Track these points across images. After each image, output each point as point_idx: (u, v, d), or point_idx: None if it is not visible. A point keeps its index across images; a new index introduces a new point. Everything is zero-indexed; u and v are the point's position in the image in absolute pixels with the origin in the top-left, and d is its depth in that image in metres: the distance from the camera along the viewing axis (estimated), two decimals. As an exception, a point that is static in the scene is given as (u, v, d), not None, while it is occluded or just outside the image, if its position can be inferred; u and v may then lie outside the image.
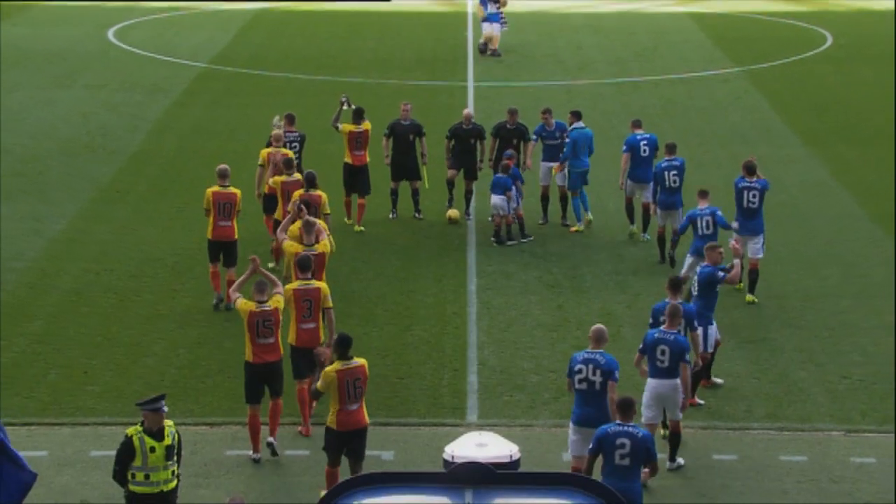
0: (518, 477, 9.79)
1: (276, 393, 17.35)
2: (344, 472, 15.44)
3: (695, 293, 18.69)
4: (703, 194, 22.40)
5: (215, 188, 22.09)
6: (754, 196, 22.38)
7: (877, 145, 32.33)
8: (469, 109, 28.35)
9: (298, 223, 19.96)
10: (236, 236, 22.28)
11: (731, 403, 18.75)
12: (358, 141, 25.87)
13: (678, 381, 16.75)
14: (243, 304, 17.23)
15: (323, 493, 16.48)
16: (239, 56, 43.78)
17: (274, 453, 17.21)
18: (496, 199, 24.95)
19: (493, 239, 25.35)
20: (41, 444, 17.43)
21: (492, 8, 41.91)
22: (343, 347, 15.91)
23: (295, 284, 17.97)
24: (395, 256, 24.76)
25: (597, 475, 13.70)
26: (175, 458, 14.22)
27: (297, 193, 21.80)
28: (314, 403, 17.82)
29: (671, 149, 24.47)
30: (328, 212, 22.04)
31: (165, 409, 14.11)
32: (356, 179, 26.00)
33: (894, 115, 33.78)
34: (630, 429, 14.41)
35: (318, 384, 15.96)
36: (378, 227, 26.30)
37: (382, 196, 26.78)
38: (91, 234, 25.81)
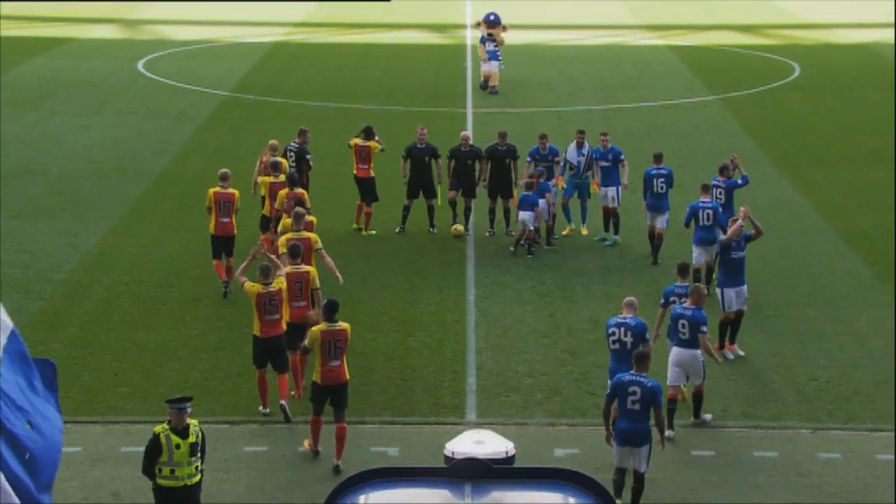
0: (513, 472, 9.77)
1: (282, 369, 18.25)
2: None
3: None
4: (706, 189, 23.09)
5: (216, 189, 22.99)
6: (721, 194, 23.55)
7: (841, 167, 32.39)
8: (467, 132, 28.31)
9: (287, 220, 21.12)
10: (235, 231, 23.19)
11: (708, 403, 18.69)
12: (361, 155, 26.40)
13: (698, 351, 17.71)
14: (251, 286, 18.14)
15: (307, 442, 17.20)
16: (257, 85, 43.80)
17: (287, 419, 17.87)
18: (524, 215, 25.02)
19: (511, 248, 25.47)
20: (76, 440, 17.40)
21: (490, 46, 41.38)
22: (329, 311, 16.94)
23: (287, 269, 18.80)
24: (400, 268, 24.77)
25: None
26: (199, 454, 14.22)
27: (283, 193, 22.93)
28: (304, 361, 18.67)
29: (658, 158, 25.32)
30: (308, 206, 22.48)
31: (189, 410, 14.13)
32: (361, 189, 26.54)
33: (864, 136, 33.71)
34: (642, 378, 15.41)
35: (306, 341, 17.03)
36: (385, 240, 26.33)
37: (389, 211, 26.82)
38: (121, 248, 25.81)
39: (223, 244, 23.06)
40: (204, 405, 17.98)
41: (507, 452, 9.81)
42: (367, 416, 18.27)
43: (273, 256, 19.26)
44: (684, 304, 18.04)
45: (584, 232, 26.65)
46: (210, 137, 35.10)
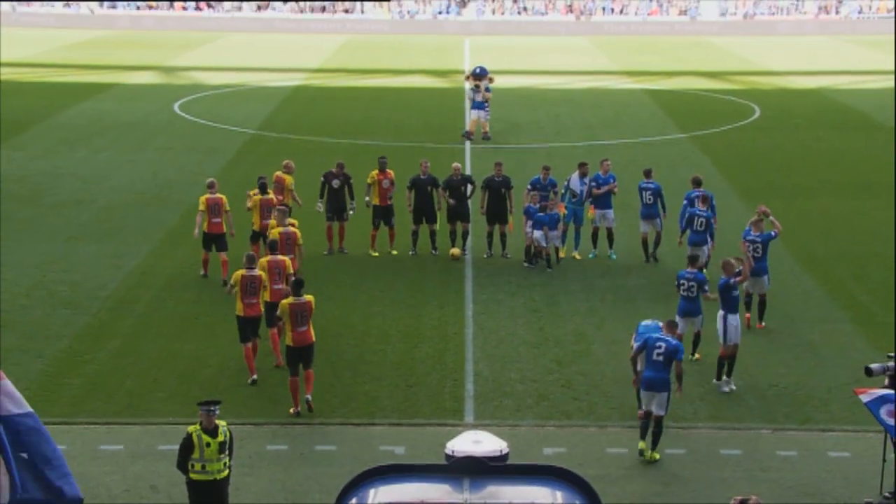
0: (507, 468, 9.73)
1: (257, 336, 19.85)
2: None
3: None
4: (705, 199, 24.31)
5: (207, 195, 24.43)
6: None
7: (797, 197, 32.39)
8: (457, 164, 28.20)
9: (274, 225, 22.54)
10: (224, 230, 24.42)
11: (680, 407, 18.64)
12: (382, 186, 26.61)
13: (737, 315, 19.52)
14: (237, 273, 19.68)
15: (292, 411, 18.01)
16: (279, 124, 43.90)
17: (254, 383, 19.39)
18: (537, 234, 25.39)
19: (524, 261, 25.89)
20: (118, 439, 17.43)
21: (477, 98, 40.07)
22: (296, 287, 18.48)
23: (267, 258, 20.38)
24: (406, 286, 24.75)
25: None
26: (227, 451, 14.22)
27: (256, 197, 24.59)
28: (279, 331, 19.76)
29: (648, 173, 26.42)
30: (284, 207, 23.70)
31: (217, 412, 14.15)
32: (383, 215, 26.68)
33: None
34: (668, 337, 17.09)
35: (278, 312, 18.48)
36: (393, 262, 26.33)
37: (397, 237, 26.82)
38: (160, 268, 25.81)
39: (213, 240, 24.39)
40: (231, 408, 17.93)
41: (501, 451, 9.73)
42: (376, 419, 18.24)
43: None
44: (689, 269, 20.06)
45: (577, 257, 26.60)
46: (237, 170, 35.11)
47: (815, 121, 45.74)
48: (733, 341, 19.42)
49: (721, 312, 19.52)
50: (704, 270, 21.95)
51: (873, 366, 15.58)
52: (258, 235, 24.44)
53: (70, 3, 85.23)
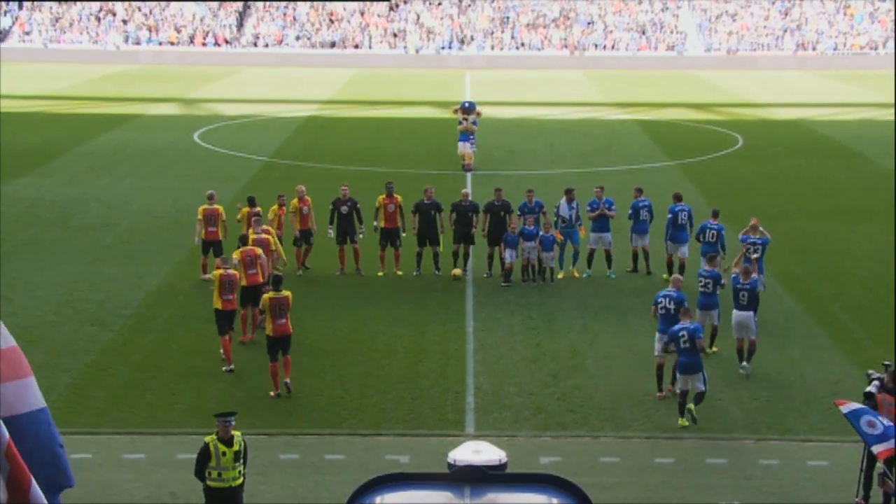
0: (506, 476, 9.70)
1: (229, 330, 20.81)
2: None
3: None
4: (715, 214, 25.27)
5: (205, 206, 25.87)
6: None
7: (778, 221, 32.30)
8: (467, 189, 28.33)
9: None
10: (221, 237, 25.78)
11: (669, 419, 18.66)
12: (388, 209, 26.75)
13: (752, 313, 20.58)
14: (215, 272, 20.84)
15: (273, 394, 19.02)
16: (291, 152, 43.98)
17: (230, 371, 20.48)
18: (527, 245, 25.87)
19: (522, 279, 26.19)
20: (140, 448, 17.40)
21: (464, 129, 39.28)
22: (276, 283, 19.62)
23: (240, 249, 21.98)
24: (410, 305, 24.75)
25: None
26: (242, 460, 14.20)
27: (244, 210, 25.63)
28: (258, 317, 21.24)
29: (640, 191, 27.10)
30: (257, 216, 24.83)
31: (233, 422, 14.14)
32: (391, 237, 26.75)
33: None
34: (687, 324, 18.41)
35: (260, 305, 19.81)
36: (398, 281, 26.33)
37: (402, 258, 26.82)
38: (179, 288, 25.83)
39: (211, 246, 25.58)
40: (246, 419, 17.90)
41: (500, 460, 9.71)
42: (382, 429, 18.21)
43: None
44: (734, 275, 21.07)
45: (576, 274, 26.64)
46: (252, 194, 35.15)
47: (794, 149, 45.77)
48: (738, 336, 20.67)
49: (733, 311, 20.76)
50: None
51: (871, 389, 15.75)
52: (245, 237, 24.63)
53: (97, 39, 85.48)
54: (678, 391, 18.55)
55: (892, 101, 62.56)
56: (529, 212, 26.41)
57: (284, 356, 19.50)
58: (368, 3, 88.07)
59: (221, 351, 20.84)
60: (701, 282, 21.32)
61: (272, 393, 19.40)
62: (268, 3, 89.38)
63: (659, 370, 19.41)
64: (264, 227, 23.94)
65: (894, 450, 14.30)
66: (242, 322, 21.91)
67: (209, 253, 25.63)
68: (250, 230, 23.70)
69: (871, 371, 16.25)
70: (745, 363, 20.58)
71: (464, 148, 39.53)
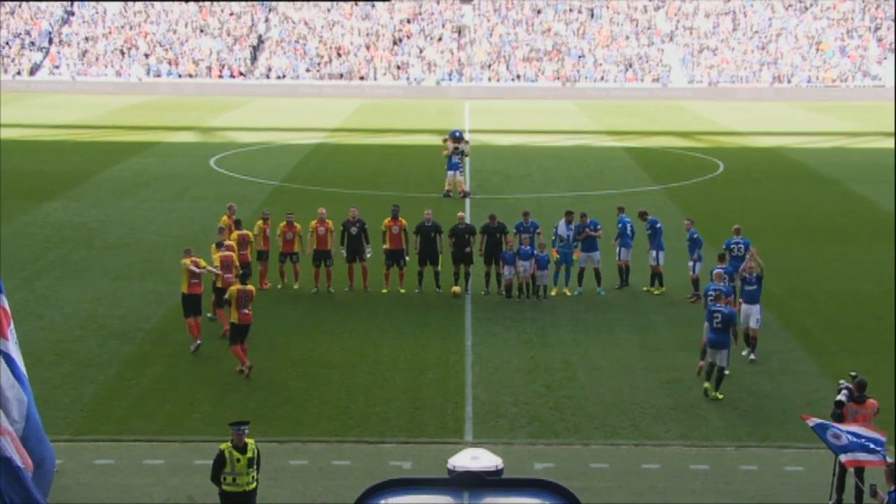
0: (502, 482, 9.67)
1: (197, 314, 22.25)
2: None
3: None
4: (738, 231, 25.53)
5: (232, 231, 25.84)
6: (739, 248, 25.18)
7: (756, 241, 31.94)
8: (462, 213, 28.34)
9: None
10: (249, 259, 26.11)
11: (655, 425, 18.64)
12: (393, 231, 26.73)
13: (758, 305, 22.15)
14: (185, 259, 22.36)
15: (238, 366, 20.18)
16: (301, 176, 44.01)
17: (196, 349, 22.06)
18: (524, 264, 25.87)
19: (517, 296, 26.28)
20: (159, 454, 17.35)
21: (455, 159, 38.61)
22: (243, 278, 21.34)
23: (219, 254, 23.31)
24: (413, 320, 24.73)
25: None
26: (255, 466, 14.17)
27: (224, 218, 26.41)
28: (224, 309, 22.26)
29: (622, 209, 27.86)
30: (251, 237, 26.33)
31: (246, 431, 14.11)
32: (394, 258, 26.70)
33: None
34: (722, 307, 19.89)
35: (226, 295, 21.03)
36: (402, 299, 26.32)
37: (406, 276, 26.82)
38: (196, 304, 25.78)
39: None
40: (259, 428, 17.89)
41: (496, 466, 9.68)
42: (386, 437, 18.18)
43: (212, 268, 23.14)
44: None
45: (567, 293, 26.68)
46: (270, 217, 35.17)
47: (771, 175, 45.81)
48: (743, 325, 21.78)
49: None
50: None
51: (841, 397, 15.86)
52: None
53: (121, 72, 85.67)
54: (707, 361, 20.11)
55: (862, 129, 62.85)
56: (525, 231, 26.44)
57: (243, 344, 20.91)
58: (374, 39, 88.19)
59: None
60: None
61: (238, 368, 20.82)
62: (280, 38, 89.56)
63: (705, 348, 20.45)
64: (228, 243, 24.37)
65: (860, 461, 14.38)
66: (220, 316, 23.35)
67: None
68: (233, 233, 25.05)
69: (841, 381, 16.27)
70: (752, 355, 21.84)
71: (453, 176, 38.89)
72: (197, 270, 22.37)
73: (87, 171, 44.78)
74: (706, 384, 19.95)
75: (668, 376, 21.11)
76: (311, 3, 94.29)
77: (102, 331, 23.69)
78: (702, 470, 17.12)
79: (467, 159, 40.09)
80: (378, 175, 44.59)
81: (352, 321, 24.43)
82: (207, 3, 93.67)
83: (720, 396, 19.81)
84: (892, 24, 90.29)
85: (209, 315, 24.21)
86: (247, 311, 20.80)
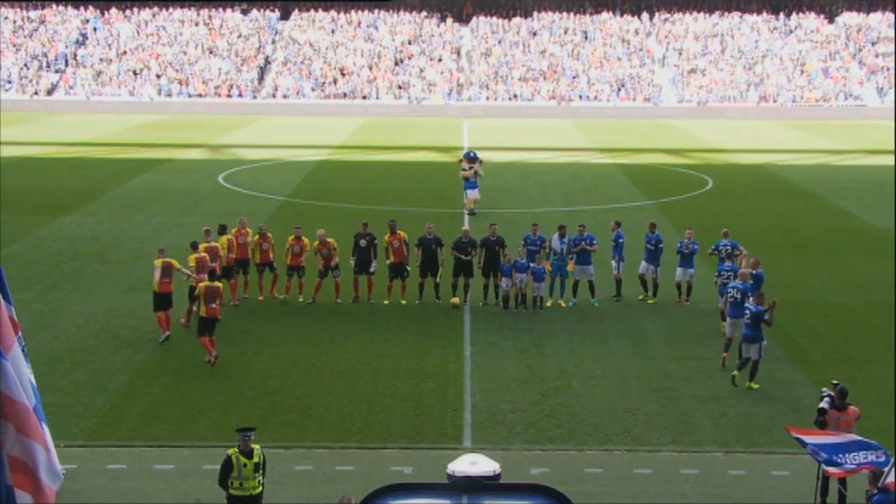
0: (500, 486, 9.65)
1: (168, 308, 23.32)
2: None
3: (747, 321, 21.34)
4: (726, 234, 26.31)
5: (203, 244, 25.65)
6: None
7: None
8: (467, 227, 28.37)
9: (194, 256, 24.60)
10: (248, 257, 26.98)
11: (647, 432, 18.61)
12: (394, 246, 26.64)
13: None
14: (157, 260, 23.42)
15: (206, 357, 20.86)
16: (306, 192, 44.02)
17: (164, 340, 23.13)
18: (520, 276, 25.85)
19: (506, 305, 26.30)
20: (170, 460, 17.32)
21: (471, 178, 38.81)
22: (211, 275, 22.30)
23: (195, 255, 24.12)
24: (414, 330, 24.71)
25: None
26: (261, 471, 14.15)
27: (223, 239, 26.50)
28: (194, 305, 22.90)
29: (617, 224, 27.72)
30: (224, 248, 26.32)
31: (252, 437, 14.09)
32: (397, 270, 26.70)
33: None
34: (751, 305, 20.71)
35: (196, 292, 22.15)
36: (403, 309, 26.30)
37: (407, 287, 26.81)
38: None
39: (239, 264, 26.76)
40: (264, 434, 17.86)
41: (494, 471, 9.65)
42: (388, 443, 18.15)
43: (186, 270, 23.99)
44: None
45: (563, 304, 26.68)
46: (271, 231, 35.12)
47: (758, 190, 45.84)
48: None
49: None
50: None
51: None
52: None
53: (134, 92, 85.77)
54: (742, 358, 20.97)
55: (844, 147, 62.93)
56: (532, 244, 26.38)
57: (211, 336, 21.77)
58: (376, 59, 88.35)
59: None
60: (730, 293, 22.16)
61: (206, 359, 21.67)
62: (286, 59, 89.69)
63: (728, 341, 21.97)
64: (213, 244, 25.51)
65: (844, 472, 14.28)
66: (188, 312, 24.25)
67: (237, 275, 26.61)
68: (203, 244, 25.71)
69: (824, 389, 16.28)
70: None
71: (472, 194, 39.12)
72: (171, 268, 23.49)
73: (101, 187, 44.79)
74: (735, 373, 20.86)
75: (660, 384, 21.09)
76: (317, 25, 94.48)
77: (115, 341, 23.66)
78: (692, 474, 17.09)
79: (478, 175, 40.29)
80: (380, 190, 44.61)
81: (355, 331, 24.40)
82: (217, 26, 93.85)
83: (756, 386, 20.63)
84: (871, 46, 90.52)
85: (181, 320, 24.64)
86: (214, 305, 21.75)
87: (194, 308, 22.95)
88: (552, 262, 26.56)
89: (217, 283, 22.19)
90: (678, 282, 27.06)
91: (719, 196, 44.21)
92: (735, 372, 20.88)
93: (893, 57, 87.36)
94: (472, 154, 40.21)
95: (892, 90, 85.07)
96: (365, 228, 26.96)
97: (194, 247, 24.80)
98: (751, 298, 21.15)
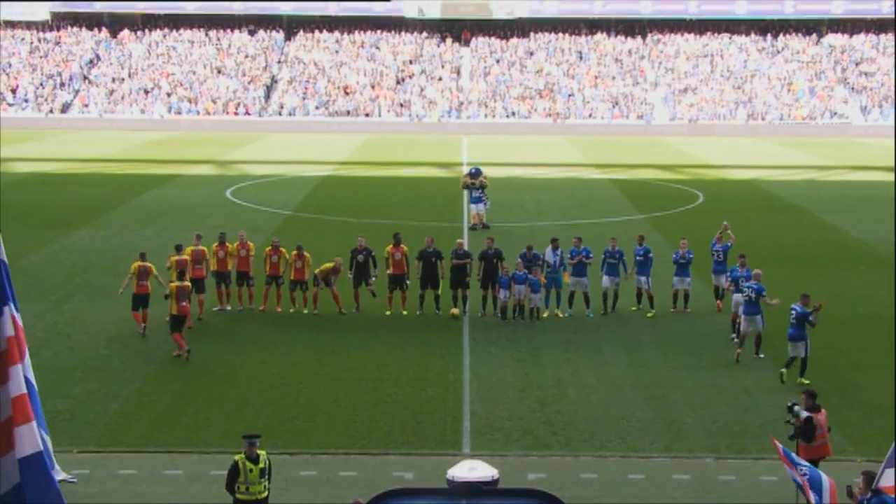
0: (498, 491, 9.63)
1: (146, 306, 24.45)
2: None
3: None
4: (720, 238, 27.03)
5: (192, 247, 26.46)
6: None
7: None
8: (462, 240, 28.36)
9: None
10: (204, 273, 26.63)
11: (640, 439, 18.58)
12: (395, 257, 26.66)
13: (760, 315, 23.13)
14: (134, 264, 24.57)
15: (176, 351, 21.77)
16: (311, 206, 44.04)
17: (143, 332, 24.23)
18: (519, 288, 25.83)
19: (502, 315, 26.28)
20: (179, 465, 17.29)
21: (476, 193, 39.12)
22: (180, 276, 23.13)
23: (175, 258, 24.90)
24: (414, 340, 24.69)
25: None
26: (267, 476, 14.11)
27: (214, 246, 26.84)
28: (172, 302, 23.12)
29: (614, 241, 27.29)
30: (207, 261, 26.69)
31: (258, 443, 14.08)
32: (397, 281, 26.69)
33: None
34: (796, 306, 21.08)
35: (167, 291, 23.10)
36: (404, 320, 26.29)
37: (408, 299, 26.78)
38: (212, 324, 25.76)
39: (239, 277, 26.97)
40: (270, 440, 17.82)
41: (492, 477, 9.63)
42: (389, 449, 18.11)
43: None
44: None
45: (560, 314, 26.66)
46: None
47: (747, 205, 45.84)
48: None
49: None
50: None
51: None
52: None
53: (145, 110, 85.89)
54: (790, 356, 21.44)
55: (830, 164, 63.02)
56: (527, 261, 26.33)
57: (181, 331, 22.74)
58: (379, 79, 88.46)
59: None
60: (745, 291, 23.01)
61: (175, 353, 22.56)
62: (291, 78, 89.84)
63: (742, 339, 22.85)
64: (200, 248, 26.25)
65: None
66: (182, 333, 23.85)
67: (221, 286, 26.86)
68: (191, 247, 26.48)
69: (791, 401, 16.47)
70: (760, 354, 23.04)
71: (477, 209, 39.00)
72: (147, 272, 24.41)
73: (113, 201, 44.82)
74: (783, 370, 21.43)
75: (654, 392, 21.06)
76: (321, 45, 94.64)
77: (126, 350, 23.65)
78: (683, 480, 17.05)
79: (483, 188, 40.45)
80: (382, 205, 44.61)
81: (357, 341, 24.39)
82: (225, 46, 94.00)
83: (807, 382, 20.91)
84: (855, 67, 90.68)
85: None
86: (185, 303, 22.75)
87: (168, 306, 23.43)
88: (545, 274, 26.56)
89: (187, 283, 23.03)
90: (674, 291, 27.04)
91: (710, 210, 44.18)
92: (783, 369, 21.43)
93: (893, 77, 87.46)
94: (474, 170, 40.32)
95: (876, 108, 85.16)
96: (361, 244, 26.94)
97: (178, 249, 25.41)
98: (798, 301, 21.53)
